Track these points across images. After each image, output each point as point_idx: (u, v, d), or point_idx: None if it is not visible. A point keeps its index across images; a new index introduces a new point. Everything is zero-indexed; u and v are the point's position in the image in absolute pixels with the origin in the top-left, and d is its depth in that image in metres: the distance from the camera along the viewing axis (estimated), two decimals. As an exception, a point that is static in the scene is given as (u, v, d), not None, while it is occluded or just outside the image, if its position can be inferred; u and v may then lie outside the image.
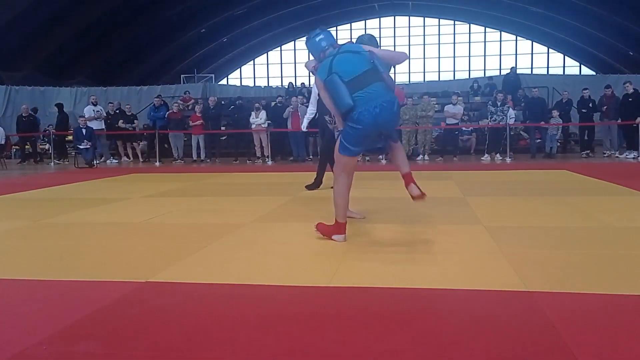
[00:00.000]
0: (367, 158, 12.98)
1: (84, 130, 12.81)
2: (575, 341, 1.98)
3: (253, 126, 13.30)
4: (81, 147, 12.67)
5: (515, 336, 2.06)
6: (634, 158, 11.60)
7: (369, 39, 4.26)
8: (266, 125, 13.27)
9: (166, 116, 14.22)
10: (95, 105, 14.44)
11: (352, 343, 2.03)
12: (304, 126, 7.33)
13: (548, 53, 31.78)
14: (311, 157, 13.58)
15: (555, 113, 12.71)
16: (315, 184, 6.84)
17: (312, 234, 4.02)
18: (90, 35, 22.43)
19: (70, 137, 14.85)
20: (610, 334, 2.05)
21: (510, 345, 1.97)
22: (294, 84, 19.22)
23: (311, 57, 3.94)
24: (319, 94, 4.32)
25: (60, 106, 15.31)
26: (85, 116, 13.62)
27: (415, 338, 2.07)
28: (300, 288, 2.71)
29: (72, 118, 15.98)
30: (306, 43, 3.86)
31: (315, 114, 6.67)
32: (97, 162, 13.32)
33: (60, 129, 14.84)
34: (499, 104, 12.66)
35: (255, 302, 2.53)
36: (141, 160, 14.47)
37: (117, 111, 14.75)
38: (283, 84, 26.46)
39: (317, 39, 3.77)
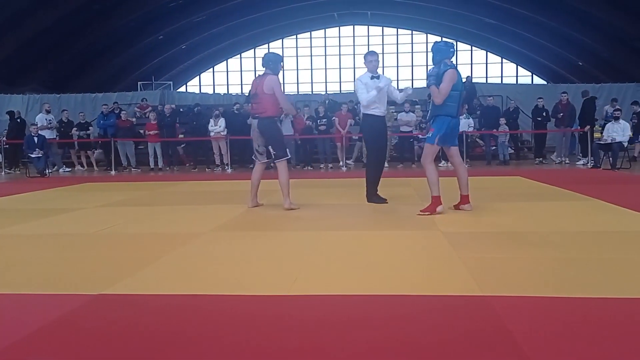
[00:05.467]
0: (330, 166, 13.02)
1: (35, 139, 12.42)
2: (528, 343, 2.02)
3: (212, 134, 13.16)
4: (33, 155, 12.27)
5: (470, 339, 2.09)
6: (583, 164, 12.01)
7: (274, 57, 5.69)
8: (225, 132, 13.15)
9: (114, 124, 13.91)
10: (48, 113, 14.02)
11: (311, 351, 2.02)
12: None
13: (502, 63, 32.71)
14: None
15: (502, 121, 13.07)
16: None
17: (271, 242, 4.01)
18: (44, 40, 21.79)
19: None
20: (562, 336, 2.11)
21: (466, 349, 2.00)
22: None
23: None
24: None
25: (12, 114, 14.80)
26: (37, 124, 13.21)
27: (373, 345, 2.07)
28: (259, 297, 2.69)
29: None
30: (439, 44, 5.41)
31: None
32: (49, 171, 12.91)
33: (12, 137, 14.34)
34: None
35: (213, 313, 2.49)
36: (96, 168, 14.12)
37: (67, 121, 14.41)
38: (243, 92, 26.32)
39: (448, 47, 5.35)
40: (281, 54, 6.39)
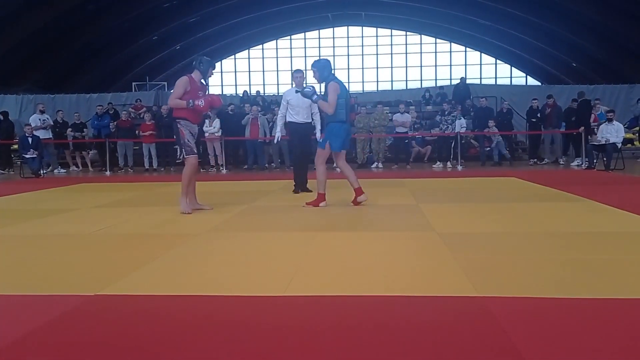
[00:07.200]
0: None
1: (30, 139, 12.37)
2: (524, 343, 2.04)
3: (206, 135, 13.13)
4: (27, 156, 12.21)
5: (466, 340, 2.10)
6: (577, 165, 12.07)
7: (206, 61, 5.76)
8: (220, 133, 13.13)
9: (115, 124, 13.92)
10: (42, 113, 13.98)
11: (307, 351, 2.03)
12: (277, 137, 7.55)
13: (496, 64, 32.82)
14: (273, 164, 13.54)
15: (491, 123, 13.11)
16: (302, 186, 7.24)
17: (267, 243, 4.01)
18: (38, 40, 21.69)
19: (15, 147, 14.30)
20: (559, 337, 2.12)
21: (462, 350, 2.01)
22: (248, 92, 19.13)
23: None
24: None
25: (5, 114, 14.74)
26: (32, 125, 13.16)
27: (370, 346, 2.08)
28: (255, 298, 2.69)
29: (17, 126, 15.40)
30: (322, 62, 5.90)
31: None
32: (44, 171, 12.85)
33: (5, 137, 14.28)
34: (446, 112, 13.19)
35: (208, 314, 2.49)
36: (91, 169, 14.08)
37: (62, 121, 14.36)
38: (237, 92, 26.30)
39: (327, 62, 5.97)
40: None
